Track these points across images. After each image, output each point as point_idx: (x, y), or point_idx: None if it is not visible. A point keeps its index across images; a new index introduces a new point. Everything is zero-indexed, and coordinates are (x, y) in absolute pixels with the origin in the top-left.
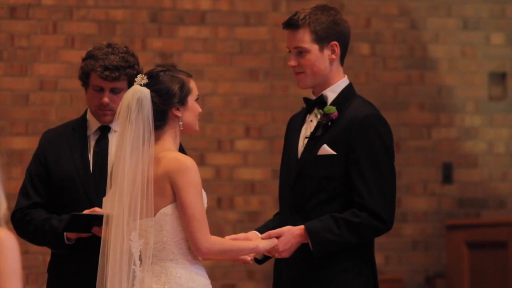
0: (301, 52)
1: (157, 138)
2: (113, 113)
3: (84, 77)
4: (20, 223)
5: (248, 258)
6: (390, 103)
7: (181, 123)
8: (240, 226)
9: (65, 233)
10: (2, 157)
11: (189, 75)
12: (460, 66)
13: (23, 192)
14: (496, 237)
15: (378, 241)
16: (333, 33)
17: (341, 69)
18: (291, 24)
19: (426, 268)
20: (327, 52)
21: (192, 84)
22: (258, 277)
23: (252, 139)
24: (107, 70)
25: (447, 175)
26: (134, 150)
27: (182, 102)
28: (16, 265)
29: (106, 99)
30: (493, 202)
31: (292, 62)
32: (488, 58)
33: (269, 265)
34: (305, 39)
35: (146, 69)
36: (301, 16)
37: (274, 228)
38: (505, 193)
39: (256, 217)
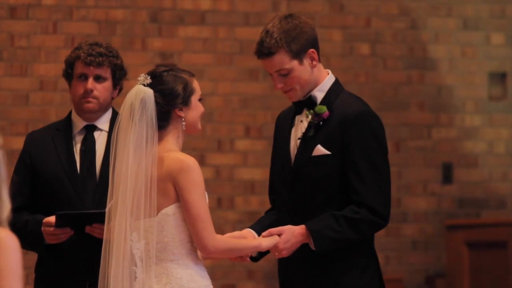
0: (284, 73)
1: (160, 138)
2: (97, 101)
3: (69, 68)
4: None
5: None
6: (390, 103)
7: (184, 123)
8: (240, 226)
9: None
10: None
11: (192, 75)
12: (460, 66)
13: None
14: (496, 237)
15: (378, 241)
16: (305, 43)
17: (321, 67)
18: (266, 53)
19: (426, 268)
20: (307, 61)
21: (195, 84)
22: (258, 277)
23: (252, 139)
24: (91, 56)
25: (447, 175)
26: (137, 150)
27: (186, 102)
28: (16, 265)
29: (89, 85)
30: (493, 202)
31: (279, 85)
32: (488, 58)
33: (270, 265)
34: (284, 60)
35: (146, 69)
36: (272, 42)
37: (268, 226)
38: (505, 193)
39: (256, 217)
